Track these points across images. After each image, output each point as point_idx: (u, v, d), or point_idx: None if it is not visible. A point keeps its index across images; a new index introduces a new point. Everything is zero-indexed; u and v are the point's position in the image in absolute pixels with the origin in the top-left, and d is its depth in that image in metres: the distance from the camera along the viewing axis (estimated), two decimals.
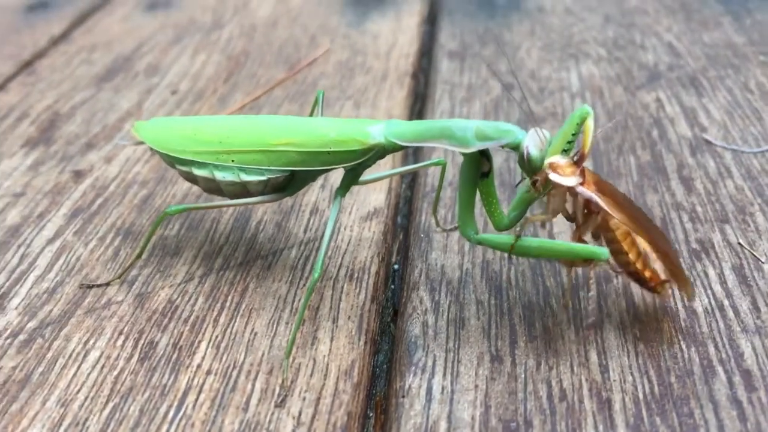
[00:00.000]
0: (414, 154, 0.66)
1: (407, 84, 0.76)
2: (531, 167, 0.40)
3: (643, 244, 0.42)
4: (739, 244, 0.51)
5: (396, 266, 0.53)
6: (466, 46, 0.84)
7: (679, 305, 0.46)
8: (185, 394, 0.41)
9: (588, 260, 0.41)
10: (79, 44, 0.89)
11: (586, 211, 0.42)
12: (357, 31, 0.90)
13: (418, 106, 0.73)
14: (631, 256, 0.42)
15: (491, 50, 0.82)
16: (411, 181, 0.62)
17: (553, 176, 0.40)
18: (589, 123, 0.39)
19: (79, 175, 0.62)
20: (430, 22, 0.92)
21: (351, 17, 0.93)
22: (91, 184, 0.61)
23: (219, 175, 0.47)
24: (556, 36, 0.85)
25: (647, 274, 0.43)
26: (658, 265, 0.43)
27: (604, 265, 0.42)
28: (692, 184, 0.57)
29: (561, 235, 0.52)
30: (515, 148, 0.41)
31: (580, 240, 0.42)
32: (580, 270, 0.47)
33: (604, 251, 0.40)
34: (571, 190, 0.41)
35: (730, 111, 0.67)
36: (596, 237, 0.43)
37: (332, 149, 0.45)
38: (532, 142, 0.40)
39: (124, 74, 0.81)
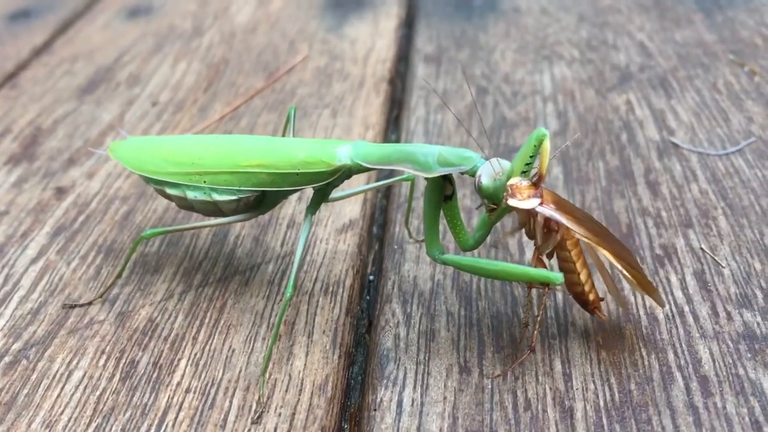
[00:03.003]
0: None
1: (384, 90, 0.77)
2: (481, 195, 0.42)
3: (607, 256, 0.44)
4: (701, 249, 0.52)
5: (371, 277, 0.55)
6: (443, 49, 0.85)
7: (642, 312, 0.48)
8: (165, 412, 0.43)
9: (544, 284, 0.43)
10: (61, 55, 0.90)
11: (546, 230, 0.44)
12: (335, 35, 0.91)
13: (395, 113, 0.75)
14: (582, 276, 0.44)
15: (466, 54, 0.83)
16: (387, 190, 0.63)
17: (512, 201, 0.41)
18: (546, 144, 0.41)
19: (61, 192, 0.64)
20: (408, 25, 0.93)
21: (330, 21, 0.94)
22: (73, 201, 0.62)
23: (191, 195, 0.49)
24: (531, 37, 0.86)
25: (591, 296, 0.45)
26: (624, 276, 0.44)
27: (558, 288, 0.44)
28: (658, 189, 0.59)
29: (530, 244, 0.54)
30: (473, 175, 0.42)
31: (538, 260, 0.44)
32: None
33: (558, 276, 0.42)
34: (531, 212, 0.42)
35: (698, 112, 0.69)
36: (550, 256, 0.45)
37: (301, 170, 0.46)
38: (485, 172, 0.42)
39: (106, 85, 0.82)
